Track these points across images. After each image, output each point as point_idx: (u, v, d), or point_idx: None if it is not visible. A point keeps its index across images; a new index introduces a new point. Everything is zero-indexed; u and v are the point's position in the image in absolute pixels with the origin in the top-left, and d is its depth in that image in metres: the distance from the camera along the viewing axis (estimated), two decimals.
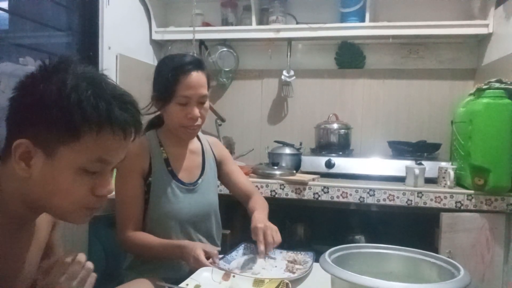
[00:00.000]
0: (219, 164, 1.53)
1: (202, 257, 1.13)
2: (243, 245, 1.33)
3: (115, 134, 0.71)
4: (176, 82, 1.29)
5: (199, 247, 1.16)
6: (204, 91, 1.33)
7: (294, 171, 2.15)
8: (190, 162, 1.43)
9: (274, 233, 1.24)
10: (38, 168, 0.70)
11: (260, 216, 1.32)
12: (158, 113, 1.42)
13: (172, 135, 1.39)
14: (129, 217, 1.31)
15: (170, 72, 1.30)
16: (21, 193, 0.73)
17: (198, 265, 1.11)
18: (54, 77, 0.70)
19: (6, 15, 1.78)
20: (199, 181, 1.42)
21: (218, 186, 1.54)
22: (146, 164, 1.34)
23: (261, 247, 1.20)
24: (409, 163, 1.97)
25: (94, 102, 0.69)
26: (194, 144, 1.48)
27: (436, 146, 2.22)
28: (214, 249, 1.19)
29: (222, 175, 1.54)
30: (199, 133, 1.52)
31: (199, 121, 1.34)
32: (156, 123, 1.45)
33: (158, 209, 1.32)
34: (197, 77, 1.31)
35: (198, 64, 1.33)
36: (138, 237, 1.29)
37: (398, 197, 1.88)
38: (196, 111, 1.31)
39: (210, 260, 1.14)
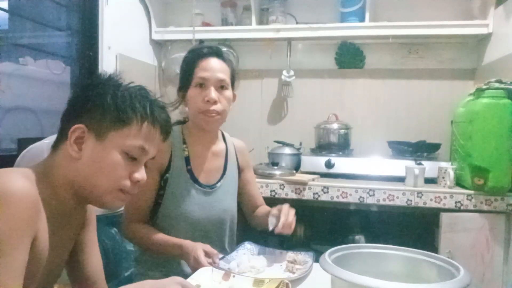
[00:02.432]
0: (240, 171, 1.49)
1: (203, 257, 1.12)
2: (243, 245, 1.33)
3: (155, 128, 0.89)
4: (194, 66, 1.32)
5: (199, 248, 1.15)
6: (222, 75, 1.32)
7: (294, 171, 2.15)
8: (211, 164, 1.39)
9: (293, 217, 1.26)
10: (88, 151, 0.83)
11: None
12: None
13: (196, 132, 1.37)
14: (137, 209, 1.30)
15: (190, 57, 1.35)
16: (70, 179, 0.84)
17: (198, 265, 1.11)
18: (110, 81, 0.88)
19: (6, 15, 1.78)
20: (218, 185, 1.38)
21: None
22: (166, 159, 1.32)
23: (283, 218, 1.21)
24: (409, 163, 1.97)
25: (141, 100, 0.87)
26: (219, 145, 1.44)
27: (436, 146, 2.22)
28: (214, 250, 1.19)
29: (239, 182, 1.50)
30: (226, 134, 1.49)
31: (217, 107, 1.30)
32: (182, 121, 1.44)
33: (170, 207, 1.31)
34: (214, 61, 1.32)
35: (216, 51, 1.35)
36: (141, 230, 1.28)
37: (398, 197, 1.88)
38: (213, 93, 1.29)
39: (210, 260, 1.14)
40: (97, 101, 0.84)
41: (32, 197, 0.75)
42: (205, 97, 1.29)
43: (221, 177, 1.40)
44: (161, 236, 1.26)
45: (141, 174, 0.88)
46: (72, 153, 0.82)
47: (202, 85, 1.30)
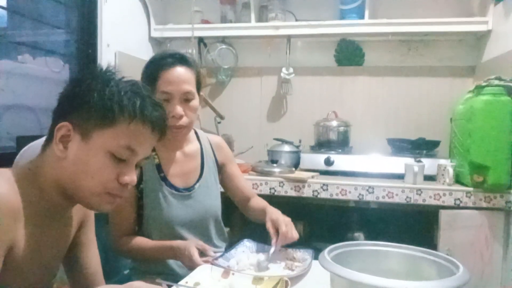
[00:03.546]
0: (221, 167, 1.46)
1: (196, 255, 1.12)
2: (242, 243, 1.33)
3: (145, 127, 0.83)
4: (156, 78, 1.23)
5: (192, 246, 1.15)
6: (188, 87, 1.24)
7: (293, 169, 2.15)
8: (186, 166, 1.36)
9: (293, 229, 1.23)
10: (73, 150, 0.80)
11: (275, 210, 1.31)
12: None
13: (165, 138, 1.37)
14: (121, 223, 1.29)
15: (151, 68, 1.26)
16: (57, 179, 0.81)
17: (193, 264, 1.10)
18: (101, 77, 0.83)
19: (4, 12, 1.77)
20: (196, 186, 1.35)
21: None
22: (137, 170, 1.31)
23: (281, 240, 1.20)
24: (408, 160, 1.97)
25: (131, 97, 0.81)
26: (192, 146, 1.40)
27: (435, 144, 2.22)
28: (206, 245, 1.18)
29: (223, 178, 1.47)
30: (200, 132, 1.47)
31: (184, 121, 1.25)
32: None
33: (152, 217, 1.29)
34: (179, 72, 1.24)
35: (180, 59, 1.26)
36: (132, 242, 1.27)
37: (397, 195, 1.88)
38: (178, 109, 1.23)
39: (206, 258, 1.13)
40: (83, 98, 0.80)
41: (8, 205, 0.72)
42: (170, 112, 1.21)
43: (199, 178, 1.37)
44: (151, 243, 1.25)
45: (130, 177, 0.83)
46: (57, 152, 0.79)
47: (166, 100, 1.22)
